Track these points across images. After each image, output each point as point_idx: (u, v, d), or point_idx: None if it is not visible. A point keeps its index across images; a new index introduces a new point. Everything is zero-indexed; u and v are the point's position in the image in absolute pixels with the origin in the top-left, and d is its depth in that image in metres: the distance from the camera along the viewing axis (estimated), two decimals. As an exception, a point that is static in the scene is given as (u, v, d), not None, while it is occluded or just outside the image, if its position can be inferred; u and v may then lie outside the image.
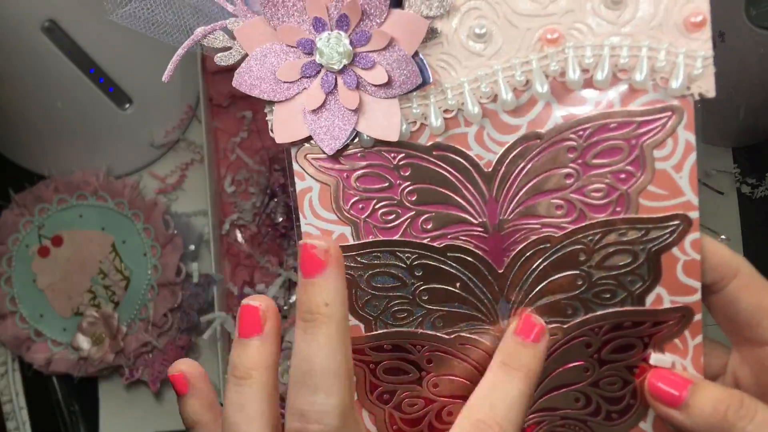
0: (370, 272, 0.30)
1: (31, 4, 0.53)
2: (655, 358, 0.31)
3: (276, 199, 0.62)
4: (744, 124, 0.66)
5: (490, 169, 0.29)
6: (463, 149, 0.28)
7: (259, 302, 0.30)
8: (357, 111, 0.27)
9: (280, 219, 0.62)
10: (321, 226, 0.29)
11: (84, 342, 0.60)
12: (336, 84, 0.27)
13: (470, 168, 0.28)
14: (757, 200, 0.68)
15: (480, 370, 0.31)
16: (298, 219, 0.30)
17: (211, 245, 0.60)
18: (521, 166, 0.28)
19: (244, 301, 0.30)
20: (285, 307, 0.60)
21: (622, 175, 0.28)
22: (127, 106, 0.61)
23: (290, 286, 0.61)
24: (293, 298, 0.60)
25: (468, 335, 0.31)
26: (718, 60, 0.66)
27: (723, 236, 0.67)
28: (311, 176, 0.29)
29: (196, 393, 0.33)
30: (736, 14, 0.59)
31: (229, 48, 0.29)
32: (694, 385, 0.30)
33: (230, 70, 0.64)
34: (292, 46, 0.28)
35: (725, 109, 0.65)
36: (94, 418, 0.63)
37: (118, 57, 0.59)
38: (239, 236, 0.63)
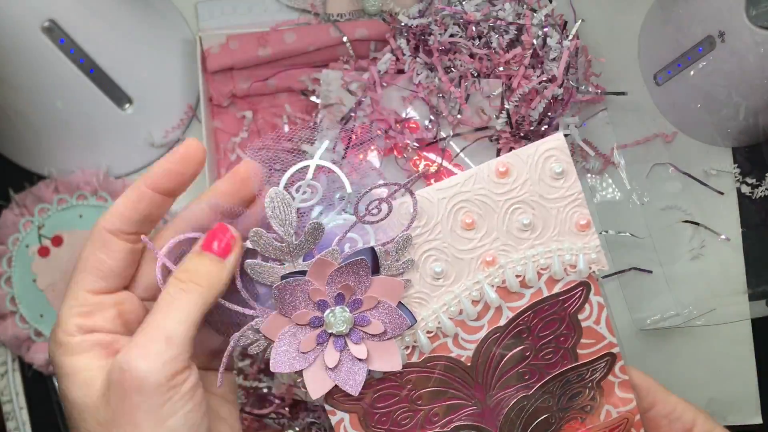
0: None
1: (31, 4, 0.53)
2: None
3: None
4: (744, 124, 0.66)
5: (469, 363, 0.38)
6: (447, 354, 0.38)
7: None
8: (366, 357, 0.35)
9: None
10: None
11: (84, 342, 0.60)
12: (346, 343, 0.36)
13: (455, 366, 0.38)
14: (757, 200, 0.68)
15: None
16: None
17: (211, 245, 0.60)
18: (491, 353, 0.38)
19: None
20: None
21: (562, 338, 0.39)
22: (127, 106, 0.61)
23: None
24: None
25: None
26: (718, 60, 0.66)
27: (723, 236, 0.67)
28: (341, 410, 0.37)
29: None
30: (736, 14, 0.59)
31: (256, 341, 0.35)
32: None
33: (230, 69, 0.65)
34: (303, 325, 0.35)
35: (725, 109, 0.65)
36: (94, 418, 0.63)
37: (118, 57, 0.59)
38: (239, 236, 0.63)
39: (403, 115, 0.61)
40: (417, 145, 0.60)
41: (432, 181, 0.61)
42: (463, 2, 0.61)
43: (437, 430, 0.38)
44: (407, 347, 0.37)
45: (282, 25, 0.64)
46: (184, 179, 0.35)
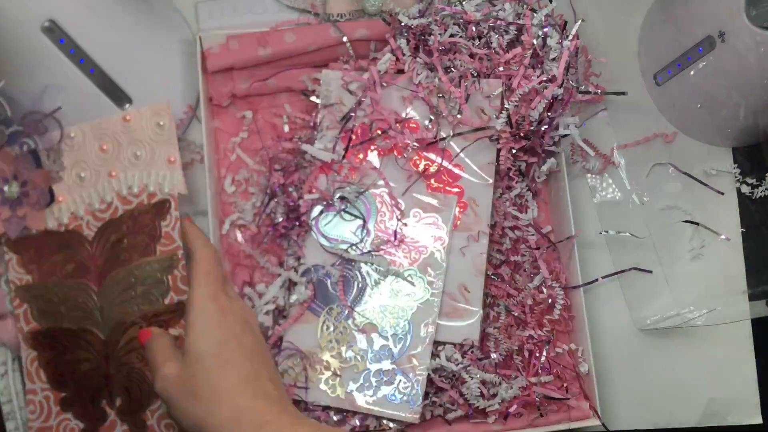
0: None
1: (31, 4, 0.53)
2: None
3: (276, 199, 0.62)
4: (744, 124, 0.66)
5: (91, 239, 0.57)
6: (79, 231, 0.57)
7: None
8: (24, 218, 0.56)
9: (280, 219, 0.62)
10: None
11: (84, 342, 0.60)
12: (17, 205, 0.55)
13: (83, 238, 0.57)
14: (757, 200, 0.68)
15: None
16: None
17: (211, 245, 0.60)
18: (104, 234, 0.56)
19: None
20: (285, 307, 0.60)
21: (150, 235, 0.56)
22: (127, 106, 0.61)
23: (290, 286, 0.61)
24: (293, 298, 0.60)
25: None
26: (718, 60, 0.66)
27: (723, 236, 0.67)
28: (11, 251, 0.57)
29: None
30: (736, 14, 0.59)
31: None
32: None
33: (230, 69, 0.64)
34: None
35: (725, 109, 0.65)
36: (94, 418, 0.63)
37: (118, 57, 0.59)
38: (239, 236, 0.63)
39: (403, 115, 0.61)
40: (417, 145, 0.60)
41: (432, 181, 0.61)
42: (463, 2, 0.61)
43: (62, 278, 0.56)
44: (59, 225, 0.57)
45: (282, 25, 0.64)
46: None
